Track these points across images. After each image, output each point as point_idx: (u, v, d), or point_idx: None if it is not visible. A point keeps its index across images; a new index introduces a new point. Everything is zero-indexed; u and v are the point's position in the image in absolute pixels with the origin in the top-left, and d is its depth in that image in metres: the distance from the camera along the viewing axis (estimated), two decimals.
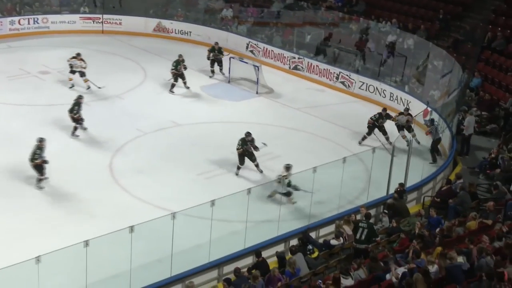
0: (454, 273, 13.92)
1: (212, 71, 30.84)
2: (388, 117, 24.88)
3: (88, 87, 27.75)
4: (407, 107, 26.23)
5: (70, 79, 28.05)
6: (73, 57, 27.84)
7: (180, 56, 28.85)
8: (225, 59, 30.86)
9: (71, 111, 23.84)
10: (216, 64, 30.92)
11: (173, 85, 28.69)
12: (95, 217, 18.89)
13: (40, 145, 20.45)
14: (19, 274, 14.32)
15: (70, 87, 27.87)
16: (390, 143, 23.57)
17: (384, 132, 24.67)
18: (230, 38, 34.55)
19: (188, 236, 17.26)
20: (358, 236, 17.11)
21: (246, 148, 21.82)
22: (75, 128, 23.89)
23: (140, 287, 15.36)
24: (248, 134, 21.99)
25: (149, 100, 27.62)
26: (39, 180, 20.41)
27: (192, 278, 15.51)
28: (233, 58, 30.88)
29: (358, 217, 18.42)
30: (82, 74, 27.77)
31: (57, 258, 14.56)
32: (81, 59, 27.84)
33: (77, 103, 23.92)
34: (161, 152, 23.38)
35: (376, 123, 24.70)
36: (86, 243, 14.49)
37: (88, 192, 20.26)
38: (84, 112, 24.30)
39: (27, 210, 19.32)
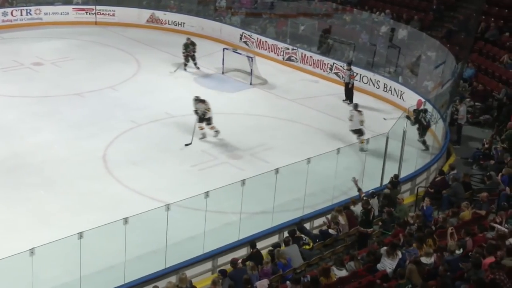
0: (454, 266, 13.84)
1: (185, 64, 30.35)
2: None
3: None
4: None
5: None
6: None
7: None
8: (218, 51, 30.87)
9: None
10: (190, 59, 30.47)
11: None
12: (89, 209, 18.79)
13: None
14: (13, 266, 14.25)
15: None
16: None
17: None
18: (224, 29, 34.51)
19: (182, 228, 17.27)
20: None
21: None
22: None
23: (135, 279, 15.38)
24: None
25: (143, 92, 27.53)
26: None
27: (186, 269, 15.51)
28: (227, 49, 30.87)
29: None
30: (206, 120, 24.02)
31: (51, 250, 14.49)
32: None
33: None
34: (155, 143, 23.33)
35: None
36: (80, 235, 14.46)
37: (81, 183, 20.20)
38: (77, 103, 24.21)
39: (20, 202, 19.26)
